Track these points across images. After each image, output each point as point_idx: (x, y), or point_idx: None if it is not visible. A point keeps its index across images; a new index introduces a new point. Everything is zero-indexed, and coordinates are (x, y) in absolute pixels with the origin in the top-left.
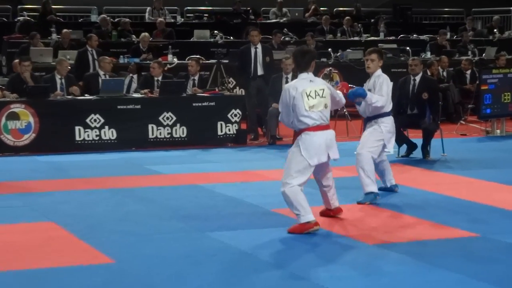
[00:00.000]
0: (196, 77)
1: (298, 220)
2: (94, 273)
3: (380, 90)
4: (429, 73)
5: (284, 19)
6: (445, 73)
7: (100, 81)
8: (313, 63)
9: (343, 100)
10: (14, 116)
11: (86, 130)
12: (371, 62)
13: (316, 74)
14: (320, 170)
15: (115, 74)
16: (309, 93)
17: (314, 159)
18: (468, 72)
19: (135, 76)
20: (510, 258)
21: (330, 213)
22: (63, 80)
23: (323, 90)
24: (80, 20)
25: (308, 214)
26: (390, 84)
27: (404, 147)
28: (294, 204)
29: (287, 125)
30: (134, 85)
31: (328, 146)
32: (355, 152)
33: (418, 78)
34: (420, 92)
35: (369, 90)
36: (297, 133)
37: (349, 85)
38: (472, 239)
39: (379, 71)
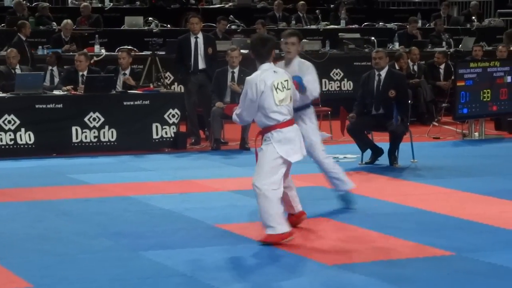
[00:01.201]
0: (128, 71)
1: (266, 226)
2: None
3: (312, 75)
4: (397, 67)
5: (230, 4)
6: (415, 67)
7: (14, 75)
8: (274, 52)
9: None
10: None
11: None
12: (291, 45)
13: None
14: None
15: (30, 68)
16: (277, 86)
17: (294, 156)
18: (442, 66)
19: (55, 69)
20: (489, 280)
21: (294, 219)
22: None
23: (287, 81)
24: None
25: (280, 225)
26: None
27: (368, 153)
28: (268, 210)
29: (245, 122)
30: (56, 80)
31: (300, 142)
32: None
33: (383, 73)
34: (386, 89)
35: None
36: (264, 130)
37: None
38: (446, 258)
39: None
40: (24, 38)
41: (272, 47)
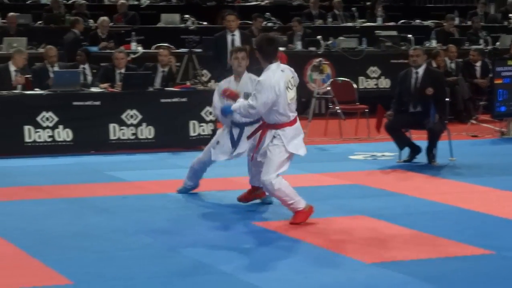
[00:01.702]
0: (166, 69)
1: (293, 209)
2: None
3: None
4: (434, 65)
5: (266, 1)
6: (453, 65)
7: (50, 73)
8: (279, 51)
9: None
10: None
11: (37, 130)
12: (242, 60)
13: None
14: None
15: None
16: (287, 85)
17: (301, 150)
18: (478, 63)
19: (86, 66)
20: None
21: (255, 195)
22: (18, 73)
23: (293, 78)
24: (28, 2)
25: (301, 200)
26: None
27: (406, 151)
28: (287, 193)
29: (253, 117)
30: (89, 78)
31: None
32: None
33: (421, 70)
34: (424, 87)
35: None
36: (275, 126)
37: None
38: (485, 257)
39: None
40: (78, 34)
41: (277, 46)
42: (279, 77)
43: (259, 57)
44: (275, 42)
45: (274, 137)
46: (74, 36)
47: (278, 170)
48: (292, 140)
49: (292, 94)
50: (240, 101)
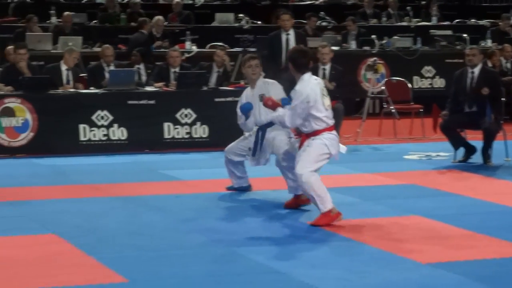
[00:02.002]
0: (221, 69)
1: (319, 208)
2: None
3: (280, 90)
4: (490, 64)
5: (321, 0)
6: (508, 65)
7: (106, 72)
8: (312, 62)
9: None
10: (8, 112)
11: (92, 128)
12: (255, 67)
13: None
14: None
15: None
16: (323, 92)
17: (334, 150)
18: None
19: (141, 66)
20: None
21: (298, 202)
22: (69, 72)
23: (325, 87)
24: (83, 1)
25: (329, 201)
26: None
27: (461, 151)
28: (316, 190)
29: (292, 126)
30: (143, 78)
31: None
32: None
33: (477, 70)
34: (480, 86)
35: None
36: (313, 134)
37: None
38: None
39: None
40: (146, 34)
41: (311, 58)
42: (314, 85)
43: (292, 68)
44: (308, 54)
45: (313, 139)
46: (142, 36)
47: (314, 164)
48: (334, 143)
49: (327, 101)
50: (280, 110)
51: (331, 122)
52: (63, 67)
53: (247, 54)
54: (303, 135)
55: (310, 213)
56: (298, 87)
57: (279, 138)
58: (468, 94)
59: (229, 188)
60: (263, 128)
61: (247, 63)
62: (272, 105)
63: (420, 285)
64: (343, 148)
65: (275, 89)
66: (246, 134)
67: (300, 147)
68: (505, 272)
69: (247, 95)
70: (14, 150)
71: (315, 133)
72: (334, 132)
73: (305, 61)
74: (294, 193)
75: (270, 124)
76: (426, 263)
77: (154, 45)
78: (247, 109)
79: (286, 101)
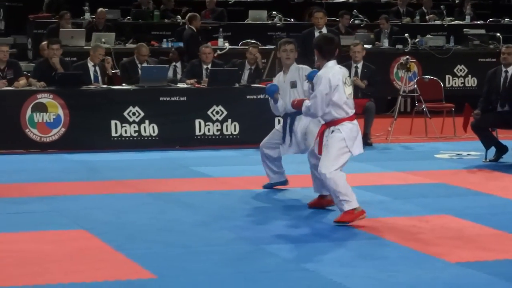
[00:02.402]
0: (253, 67)
1: (342, 207)
2: None
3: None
4: None
5: None
6: None
7: (138, 69)
8: (338, 49)
9: None
10: (41, 108)
11: (124, 124)
12: (290, 52)
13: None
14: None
15: (156, 60)
16: (345, 81)
17: (356, 149)
18: None
19: (178, 64)
20: None
21: (322, 202)
22: (96, 68)
23: (349, 77)
24: None
25: (354, 200)
26: None
27: (492, 150)
28: (341, 189)
29: (314, 116)
30: (179, 76)
31: (360, 137)
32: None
33: (511, 69)
34: None
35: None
36: (332, 123)
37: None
38: None
39: None
40: (195, 30)
41: (336, 45)
42: (336, 71)
43: (318, 55)
44: (334, 41)
45: (332, 131)
46: (191, 32)
47: (336, 162)
48: (353, 137)
49: (349, 90)
50: (306, 102)
51: (351, 111)
52: (90, 64)
53: (283, 39)
54: (322, 125)
55: (336, 212)
56: (320, 72)
57: (311, 134)
58: (501, 93)
59: (265, 187)
60: (292, 116)
61: (283, 47)
62: (298, 104)
63: (449, 285)
64: (357, 150)
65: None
66: (277, 126)
67: (317, 136)
68: None
69: (279, 80)
70: (46, 145)
71: (334, 122)
72: (355, 122)
73: (330, 48)
74: (319, 192)
75: (299, 112)
76: (456, 262)
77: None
78: (272, 91)
79: (314, 73)
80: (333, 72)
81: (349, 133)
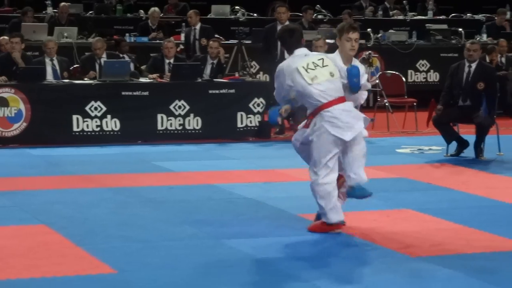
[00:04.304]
0: (215, 61)
1: (322, 216)
2: (93, 285)
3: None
4: (487, 60)
5: None
6: (503, 59)
7: (97, 64)
8: (303, 39)
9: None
10: (2, 102)
11: (85, 119)
12: (355, 42)
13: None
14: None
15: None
16: (307, 66)
17: (347, 134)
18: None
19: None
20: None
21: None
22: (54, 63)
23: (322, 59)
24: None
25: (335, 216)
26: None
27: (453, 145)
28: (321, 202)
29: (280, 102)
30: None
31: (355, 117)
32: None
33: (474, 65)
34: (476, 81)
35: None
36: (313, 113)
37: None
38: None
39: None
40: (193, 28)
41: (299, 36)
42: (297, 60)
43: (283, 47)
44: (296, 32)
45: (315, 124)
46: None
47: (321, 166)
48: (336, 121)
49: (314, 73)
50: None
51: (323, 99)
52: (47, 59)
53: (345, 22)
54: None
55: (303, 205)
56: (280, 64)
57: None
58: (464, 87)
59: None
60: None
61: (346, 34)
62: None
63: (409, 279)
64: (348, 135)
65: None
66: None
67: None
68: (494, 266)
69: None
70: (7, 140)
71: (314, 112)
72: (337, 106)
73: (293, 40)
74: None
75: None
76: (416, 256)
77: (149, 37)
78: (274, 116)
79: (354, 70)
80: (287, 63)
81: (329, 122)
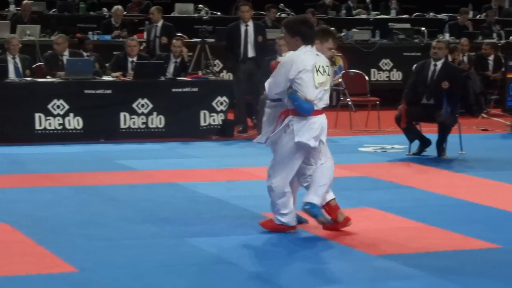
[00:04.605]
0: (179, 60)
1: (274, 215)
2: (55, 284)
3: None
4: (449, 59)
5: None
6: (465, 58)
7: (62, 61)
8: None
9: None
10: None
11: (48, 117)
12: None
13: None
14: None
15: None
16: (318, 68)
17: (311, 141)
18: (491, 57)
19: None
20: None
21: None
22: (17, 60)
23: (328, 67)
24: None
25: (286, 216)
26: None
27: (416, 143)
28: (278, 201)
29: (270, 96)
30: None
31: (323, 129)
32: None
33: (439, 64)
34: (440, 80)
35: None
36: (291, 111)
37: None
38: (493, 251)
39: None
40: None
41: (314, 32)
42: (308, 55)
43: (298, 40)
44: (313, 27)
45: (287, 125)
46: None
47: (283, 171)
48: (306, 129)
49: (322, 78)
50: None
51: (319, 105)
52: (9, 56)
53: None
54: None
55: (266, 204)
56: (290, 54)
57: None
58: (428, 85)
59: None
60: None
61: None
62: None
63: (370, 277)
64: (313, 142)
65: None
66: None
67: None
68: (456, 265)
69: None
70: None
71: (295, 111)
72: (316, 119)
73: (311, 32)
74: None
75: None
76: (378, 255)
77: (112, 35)
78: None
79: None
80: (304, 56)
81: (301, 126)
